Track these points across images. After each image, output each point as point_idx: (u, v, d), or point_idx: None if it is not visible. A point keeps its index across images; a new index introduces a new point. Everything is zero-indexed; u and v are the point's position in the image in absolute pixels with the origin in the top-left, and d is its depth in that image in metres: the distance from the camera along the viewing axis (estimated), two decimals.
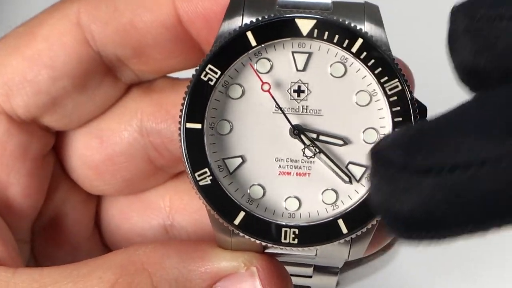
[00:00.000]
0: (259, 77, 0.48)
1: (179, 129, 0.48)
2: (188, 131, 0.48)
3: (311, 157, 0.49)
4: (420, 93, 0.49)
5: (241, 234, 0.48)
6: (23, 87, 0.53)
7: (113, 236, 0.61)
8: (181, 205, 0.58)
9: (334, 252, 0.50)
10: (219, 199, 0.48)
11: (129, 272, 0.48)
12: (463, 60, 0.37)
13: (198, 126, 0.48)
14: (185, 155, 0.48)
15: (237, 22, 0.48)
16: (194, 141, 0.48)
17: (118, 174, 0.57)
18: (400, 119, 0.47)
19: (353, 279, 0.67)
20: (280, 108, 0.48)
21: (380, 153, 0.35)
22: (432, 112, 0.47)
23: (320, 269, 0.54)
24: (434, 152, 0.34)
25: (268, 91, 0.48)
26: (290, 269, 0.51)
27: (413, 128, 0.39)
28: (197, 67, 0.48)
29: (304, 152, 0.49)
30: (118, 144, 0.56)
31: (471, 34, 0.36)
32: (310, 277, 0.55)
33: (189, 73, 0.51)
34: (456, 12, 0.38)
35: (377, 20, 0.48)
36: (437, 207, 0.33)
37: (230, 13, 0.49)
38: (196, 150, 0.48)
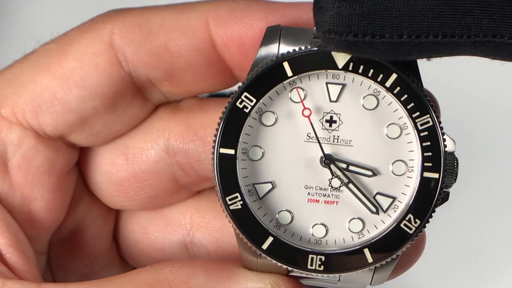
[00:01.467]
0: (302, 102, 0.49)
1: (212, 153, 0.49)
2: (221, 156, 0.49)
3: (336, 188, 0.50)
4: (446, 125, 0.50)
5: (268, 258, 0.49)
6: (53, 105, 0.53)
7: (131, 251, 0.61)
8: (202, 223, 0.59)
9: (357, 279, 0.51)
10: (248, 224, 0.49)
11: None
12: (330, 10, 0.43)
13: (231, 151, 0.49)
14: (217, 179, 0.49)
15: (273, 50, 0.49)
16: (226, 166, 0.49)
17: (142, 191, 0.57)
18: (430, 154, 0.48)
19: None
20: (316, 136, 0.49)
21: None
22: (460, 145, 0.48)
23: None
24: None
25: (308, 117, 0.49)
26: None
27: None
28: (233, 95, 0.49)
29: (330, 182, 0.50)
30: (144, 162, 0.56)
31: None
32: None
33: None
34: None
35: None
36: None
37: (267, 40, 0.50)
38: (228, 175, 0.49)
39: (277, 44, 0.49)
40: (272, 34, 0.50)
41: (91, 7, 0.55)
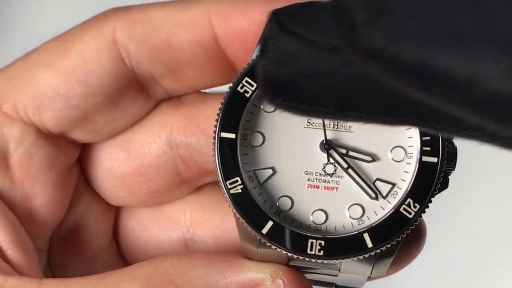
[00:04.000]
0: None
1: (214, 137, 0.49)
2: (222, 140, 0.49)
3: (333, 174, 0.50)
4: None
5: (268, 243, 0.49)
6: (55, 101, 0.54)
7: (131, 248, 0.61)
8: (202, 220, 0.59)
9: (357, 269, 0.51)
10: (248, 208, 0.49)
11: (156, 284, 0.49)
12: (267, 68, 0.40)
13: (232, 136, 0.49)
14: (218, 163, 0.49)
15: None
16: (227, 150, 0.49)
17: (145, 185, 0.57)
18: (428, 138, 0.49)
19: None
20: (323, 121, 0.49)
21: (274, 12, 0.43)
22: (460, 145, 0.49)
23: None
24: (306, 26, 0.40)
25: None
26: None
27: (303, 4, 0.44)
28: (234, 79, 0.50)
29: (324, 167, 0.50)
30: (147, 156, 0.57)
31: (276, 43, 0.40)
32: None
33: (217, 88, 0.53)
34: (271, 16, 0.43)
35: None
36: (306, 79, 0.37)
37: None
38: (229, 159, 0.49)
39: None
40: None
41: (93, 7, 0.56)
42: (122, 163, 0.57)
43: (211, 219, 0.58)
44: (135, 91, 0.56)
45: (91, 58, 0.53)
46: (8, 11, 0.83)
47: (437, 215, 0.53)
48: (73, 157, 0.58)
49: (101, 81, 0.54)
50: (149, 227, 0.60)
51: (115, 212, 0.61)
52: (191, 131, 0.56)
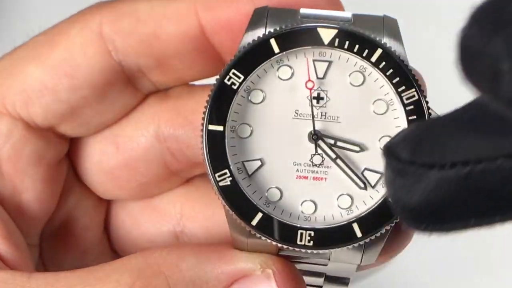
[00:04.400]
0: (308, 72, 0.50)
1: (201, 130, 0.49)
2: (210, 133, 0.49)
3: (321, 164, 0.50)
4: (433, 103, 0.50)
5: (257, 235, 0.49)
6: (42, 95, 0.54)
7: (122, 242, 0.61)
8: (192, 213, 0.59)
9: (347, 257, 0.51)
10: (237, 200, 0.49)
11: (146, 275, 0.49)
12: (399, 198, 0.39)
13: (220, 128, 0.49)
14: (207, 156, 0.49)
15: (260, 31, 0.50)
16: (215, 142, 0.49)
17: (134, 178, 0.58)
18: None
19: (353, 279, 0.68)
20: (312, 111, 0.49)
21: (391, 148, 0.38)
22: None
23: (331, 280, 0.55)
24: (437, 149, 0.37)
25: (311, 89, 0.50)
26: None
27: (421, 126, 0.41)
28: (221, 72, 0.50)
29: (311, 158, 0.50)
30: (135, 150, 0.57)
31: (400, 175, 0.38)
32: (321, 287, 0.55)
33: (205, 81, 0.53)
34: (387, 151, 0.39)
35: (395, 33, 0.50)
36: (441, 201, 0.36)
37: (253, 23, 0.50)
38: (217, 151, 0.49)
39: (264, 26, 0.50)
40: (259, 15, 0.51)
41: (87, 4, 0.56)
42: (110, 156, 0.57)
43: (202, 211, 0.59)
44: (123, 84, 0.56)
45: (78, 52, 0.54)
46: (4, 9, 0.83)
47: None
48: (62, 151, 0.58)
49: (88, 75, 0.54)
50: (139, 220, 0.60)
51: (106, 206, 0.62)
52: (179, 124, 0.56)
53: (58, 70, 0.54)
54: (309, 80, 0.50)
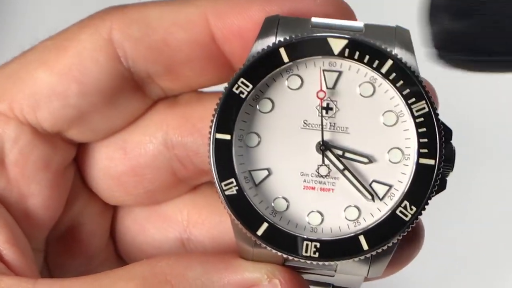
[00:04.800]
0: (321, 82, 0.49)
1: (209, 139, 0.49)
2: (217, 142, 0.49)
3: (326, 175, 0.49)
4: (445, 116, 0.50)
5: (263, 245, 0.49)
6: (51, 100, 0.53)
7: (128, 248, 0.61)
8: (199, 220, 0.58)
9: (353, 269, 0.50)
10: (243, 210, 0.49)
11: (152, 284, 0.49)
12: (442, 26, 0.39)
13: (227, 137, 0.49)
14: (213, 164, 0.49)
15: (270, 40, 0.50)
16: (222, 151, 0.49)
17: (141, 185, 0.57)
18: (426, 140, 0.48)
19: None
20: (322, 120, 0.49)
21: None
22: (457, 134, 0.48)
23: None
24: None
25: (322, 99, 0.49)
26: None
27: None
28: (230, 80, 0.49)
29: (318, 169, 0.50)
30: (143, 156, 0.56)
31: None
32: None
33: (213, 88, 0.52)
34: None
35: (407, 44, 0.49)
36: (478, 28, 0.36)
37: (264, 32, 0.50)
38: (224, 160, 0.49)
39: (275, 35, 0.50)
40: (270, 24, 0.50)
41: (92, 6, 0.56)
42: (118, 162, 0.57)
43: (208, 219, 0.58)
44: (132, 90, 0.55)
45: (88, 58, 0.53)
46: (7, 11, 0.83)
47: (437, 215, 0.53)
48: (69, 156, 0.58)
49: (97, 81, 0.53)
50: (146, 226, 0.60)
51: (112, 211, 0.61)
52: (187, 131, 0.55)
53: (68, 75, 0.53)
54: (320, 90, 0.50)
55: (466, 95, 0.61)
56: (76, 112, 0.54)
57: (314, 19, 0.50)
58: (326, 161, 0.49)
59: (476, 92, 0.70)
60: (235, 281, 0.49)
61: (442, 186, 0.49)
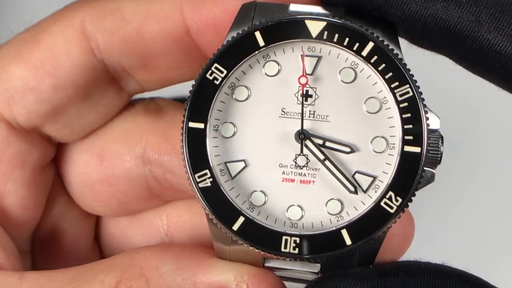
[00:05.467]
0: (303, 68, 0.47)
1: (182, 128, 0.47)
2: (190, 131, 0.47)
3: (303, 166, 0.47)
4: (433, 105, 0.47)
5: (240, 242, 0.46)
6: (25, 95, 0.52)
7: (113, 253, 0.59)
8: (179, 222, 0.57)
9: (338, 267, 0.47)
10: (218, 203, 0.46)
11: (128, 277, 0.47)
12: None
13: (201, 125, 0.47)
14: (186, 155, 0.46)
15: (246, 26, 0.47)
16: (196, 141, 0.47)
17: (114, 196, 0.56)
18: (411, 126, 0.45)
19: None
20: (302, 107, 0.46)
21: None
22: (445, 122, 0.45)
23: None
24: None
25: (304, 85, 0.47)
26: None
27: None
28: (203, 66, 0.47)
29: (295, 159, 0.47)
30: (118, 167, 0.55)
31: None
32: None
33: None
34: None
35: (390, 27, 0.47)
36: None
37: (240, 18, 0.48)
38: (197, 150, 0.46)
39: (251, 19, 0.48)
40: (246, 10, 0.48)
41: None
42: (93, 169, 0.55)
43: (188, 220, 0.57)
44: (107, 83, 0.54)
45: (60, 50, 0.52)
46: (4, 8, 0.83)
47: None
48: (47, 155, 0.56)
49: (71, 74, 0.52)
50: (128, 233, 0.59)
51: (96, 218, 0.60)
52: (165, 150, 0.54)
53: (41, 69, 0.52)
54: (302, 76, 0.47)
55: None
56: (51, 106, 0.53)
57: (292, 6, 0.48)
58: (305, 151, 0.47)
59: (476, 90, 0.68)
60: (203, 281, 0.47)
61: (429, 179, 0.46)
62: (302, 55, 0.47)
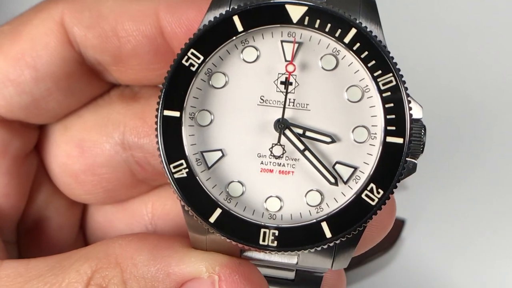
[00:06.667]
0: (292, 54, 0.45)
1: (156, 116, 0.45)
2: (165, 119, 0.45)
3: (279, 156, 0.45)
4: (416, 94, 0.46)
5: (216, 233, 0.45)
6: (5, 87, 0.52)
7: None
8: (163, 211, 0.56)
9: (316, 262, 0.46)
10: (194, 194, 0.45)
11: (103, 266, 0.47)
12: None
13: (176, 114, 0.45)
14: (161, 144, 0.45)
15: (223, 11, 0.46)
16: (171, 130, 0.45)
17: (99, 184, 0.55)
18: (393, 116, 0.44)
19: (353, 279, 0.64)
20: (286, 95, 0.45)
21: None
22: (427, 111, 0.44)
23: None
24: None
25: (290, 73, 0.45)
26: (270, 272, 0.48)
27: None
28: (179, 52, 0.45)
29: (271, 148, 0.45)
30: (100, 156, 0.54)
31: None
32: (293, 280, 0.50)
33: None
34: None
35: (373, 13, 0.45)
36: None
37: (217, 1, 0.46)
38: (172, 139, 0.45)
39: (229, 3, 0.46)
40: None
41: None
42: (75, 160, 0.55)
43: (172, 209, 0.56)
44: (86, 75, 0.54)
45: (40, 42, 0.52)
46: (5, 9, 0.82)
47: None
48: (29, 143, 0.55)
49: (50, 66, 0.52)
50: (114, 222, 0.58)
51: (82, 207, 0.59)
52: (144, 133, 0.53)
53: (20, 61, 0.52)
54: (280, 62, 0.45)
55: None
56: (32, 99, 0.52)
57: None
58: (283, 141, 0.45)
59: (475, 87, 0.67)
60: (176, 271, 0.46)
61: (411, 169, 0.45)
62: (276, 42, 0.45)
